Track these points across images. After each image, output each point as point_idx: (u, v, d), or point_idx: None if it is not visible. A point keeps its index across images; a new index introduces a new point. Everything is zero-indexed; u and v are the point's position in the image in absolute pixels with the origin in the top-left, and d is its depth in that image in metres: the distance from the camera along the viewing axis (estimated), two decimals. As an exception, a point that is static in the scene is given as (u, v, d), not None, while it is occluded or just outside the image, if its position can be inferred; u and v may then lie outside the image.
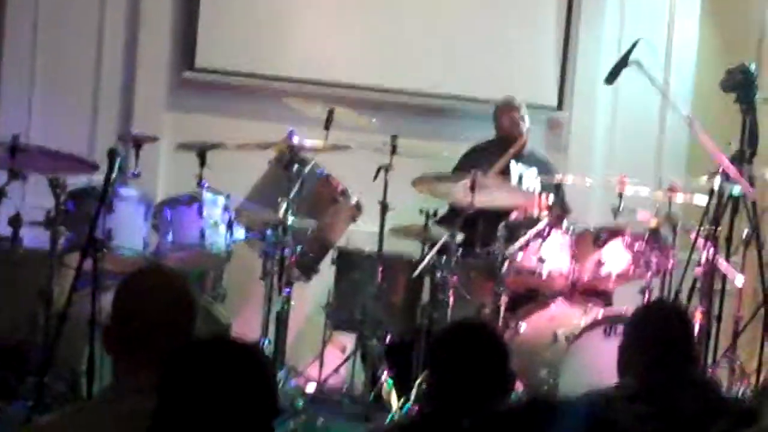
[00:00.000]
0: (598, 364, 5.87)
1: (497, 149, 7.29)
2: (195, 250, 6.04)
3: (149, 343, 3.00)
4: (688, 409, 3.92)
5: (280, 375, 6.08)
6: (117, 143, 6.01)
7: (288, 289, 6.13)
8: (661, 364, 4.08)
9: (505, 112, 7.42)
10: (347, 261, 6.69)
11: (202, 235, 6.00)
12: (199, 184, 6.09)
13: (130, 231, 5.90)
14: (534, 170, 7.31)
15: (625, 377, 4.16)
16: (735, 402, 4.19)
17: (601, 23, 8.15)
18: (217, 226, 6.03)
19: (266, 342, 5.99)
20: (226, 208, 6.11)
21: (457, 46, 7.88)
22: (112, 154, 5.21)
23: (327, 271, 6.75)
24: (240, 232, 6.17)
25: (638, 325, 4.30)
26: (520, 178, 7.18)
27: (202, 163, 6.11)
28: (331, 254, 6.70)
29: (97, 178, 5.62)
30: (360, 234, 6.85)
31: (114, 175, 5.20)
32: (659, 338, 4.13)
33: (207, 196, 6.07)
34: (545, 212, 6.72)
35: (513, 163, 7.24)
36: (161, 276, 3.30)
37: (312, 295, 6.97)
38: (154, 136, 6.26)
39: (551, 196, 6.91)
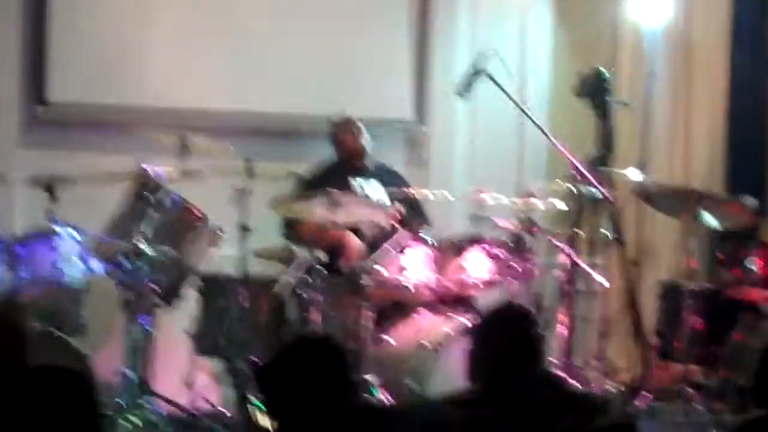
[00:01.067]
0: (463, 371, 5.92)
1: (343, 169, 7.30)
2: (50, 284, 6.00)
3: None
4: (532, 407, 3.98)
5: (145, 402, 6.04)
6: (-34, 182, 5.96)
7: (145, 318, 6.11)
8: (503, 367, 4.14)
9: (345, 130, 7.37)
10: (210, 286, 6.70)
11: (57, 269, 5.96)
12: (51, 218, 6.05)
13: (-17, 270, 5.85)
14: (375, 182, 7.30)
15: (473, 382, 4.23)
16: (582, 397, 4.25)
17: (454, 35, 8.20)
18: (71, 259, 5.99)
19: (127, 371, 5.96)
20: (80, 242, 6.08)
21: (308, 66, 7.91)
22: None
23: (193, 296, 6.75)
24: (96, 264, 6.15)
25: (482, 329, 4.37)
26: (362, 190, 7.20)
27: (53, 197, 6.07)
28: (193, 280, 6.71)
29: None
30: (224, 258, 6.85)
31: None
32: (501, 341, 4.20)
33: (59, 230, 6.03)
34: (398, 225, 6.80)
35: (351, 178, 7.23)
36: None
37: (178, 321, 6.94)
38: (1, 174, 6.22)
39: (402, 208, 6.99)
